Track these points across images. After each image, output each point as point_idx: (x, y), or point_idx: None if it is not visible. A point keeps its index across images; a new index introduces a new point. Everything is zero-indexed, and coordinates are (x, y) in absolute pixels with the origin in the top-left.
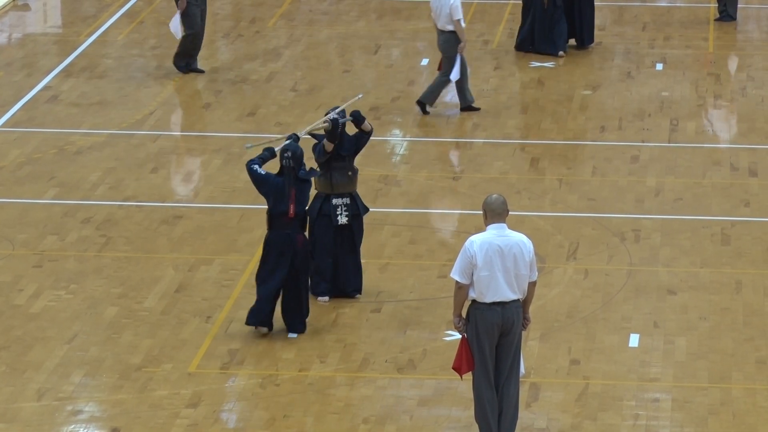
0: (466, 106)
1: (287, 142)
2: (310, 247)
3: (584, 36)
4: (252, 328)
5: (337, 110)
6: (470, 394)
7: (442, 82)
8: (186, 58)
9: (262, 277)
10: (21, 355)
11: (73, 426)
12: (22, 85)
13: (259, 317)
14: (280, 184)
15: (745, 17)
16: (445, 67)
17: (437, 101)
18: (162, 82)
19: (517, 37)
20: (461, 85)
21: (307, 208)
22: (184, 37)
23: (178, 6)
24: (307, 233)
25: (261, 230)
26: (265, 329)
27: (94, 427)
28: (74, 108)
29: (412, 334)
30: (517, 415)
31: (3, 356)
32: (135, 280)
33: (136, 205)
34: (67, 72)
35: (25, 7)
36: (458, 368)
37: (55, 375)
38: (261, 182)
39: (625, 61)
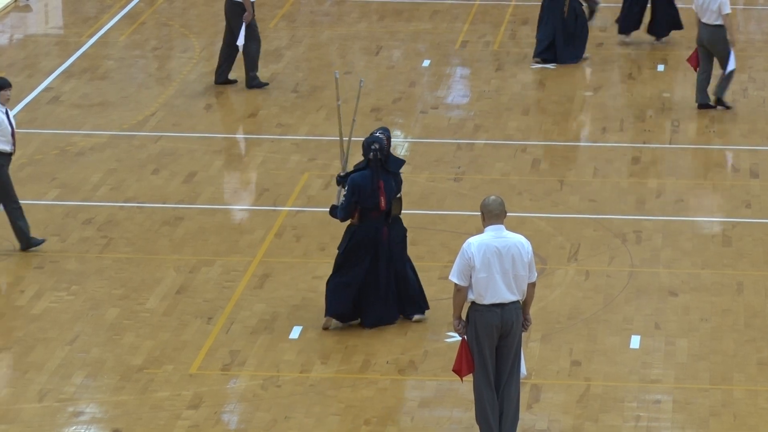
0: (704, 103)
1: (376, 134)
2: (391, 240)
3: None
4: (253, 327)
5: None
6: (471, 396)
7: (729, 76)
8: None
9: (342, 267)
10: (22, 356)
11: (74, 427)
12: (23, 86)
13: (340, 308)
14: (366, 178)
15: (747, 18)
16: (722, 59)
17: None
18: (163, 83)
19: (536, 47)
20: (722, 80)
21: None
22: (252, 49)
23: (243, 18)
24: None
25: (262, 231)
26: (339, 324)
27: (96, 429)
28: (76, 109)
29: (413, 335)
30: (518, 416)
31: (4, 357)
32: (136, 281)
33: (138, 206)
34: (68, 73)
35: (27, 8)
36: (458, 371)
37: (57, 376)
38: (352, 202)
39: (627, 62)
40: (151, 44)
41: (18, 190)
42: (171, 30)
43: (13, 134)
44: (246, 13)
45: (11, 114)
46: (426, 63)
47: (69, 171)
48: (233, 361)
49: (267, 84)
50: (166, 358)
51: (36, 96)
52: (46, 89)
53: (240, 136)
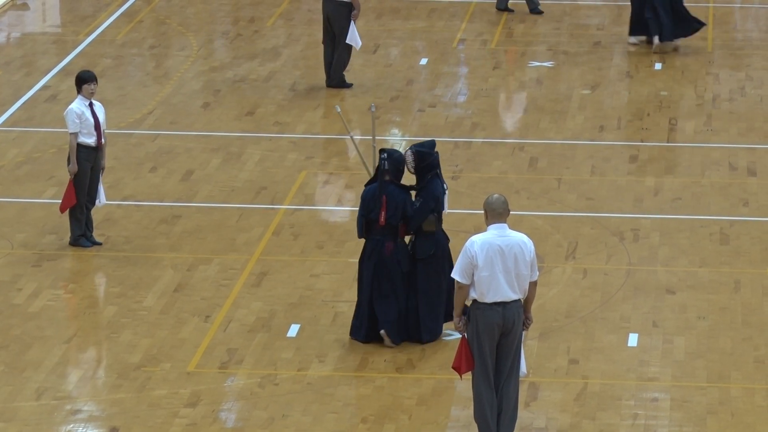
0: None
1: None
2: (399, 255)
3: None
4: (251, 325)
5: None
6: (469, 394)
7: None
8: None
9: (358, 286)
10: (20, 354)
11: (71, 425)
12: (20, 84)
13: (361, 333)
14: (371, 191)
15: (744, 16)
16: None
17: (437, 100)
18: (161, 82)
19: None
20: None
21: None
22: (344, 50)
23: (353, 17)
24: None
25: (260, 229)
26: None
27: (93, 427)
28: None
29: None
30: (516, 414)
31: (2, 355)
32: (134, 279)
33: (135, 205)
34: (65, 71)
35: (24, 6)
36: (458, 368)
37: (54, 374)
38: (360, 216)
39: (624, 60)
40: (148, 42)
41: (15, 188)
42: (168, 28)
43: (97, 127)
44: (355, 11)
45: (98, 107)
46: (423, 61)
47: (66, 169)
48: (231, 359)
49: (351, 85)
50: (163, 356)
51: (33, 94)
52: (44, 87)
53: (237, 134)
